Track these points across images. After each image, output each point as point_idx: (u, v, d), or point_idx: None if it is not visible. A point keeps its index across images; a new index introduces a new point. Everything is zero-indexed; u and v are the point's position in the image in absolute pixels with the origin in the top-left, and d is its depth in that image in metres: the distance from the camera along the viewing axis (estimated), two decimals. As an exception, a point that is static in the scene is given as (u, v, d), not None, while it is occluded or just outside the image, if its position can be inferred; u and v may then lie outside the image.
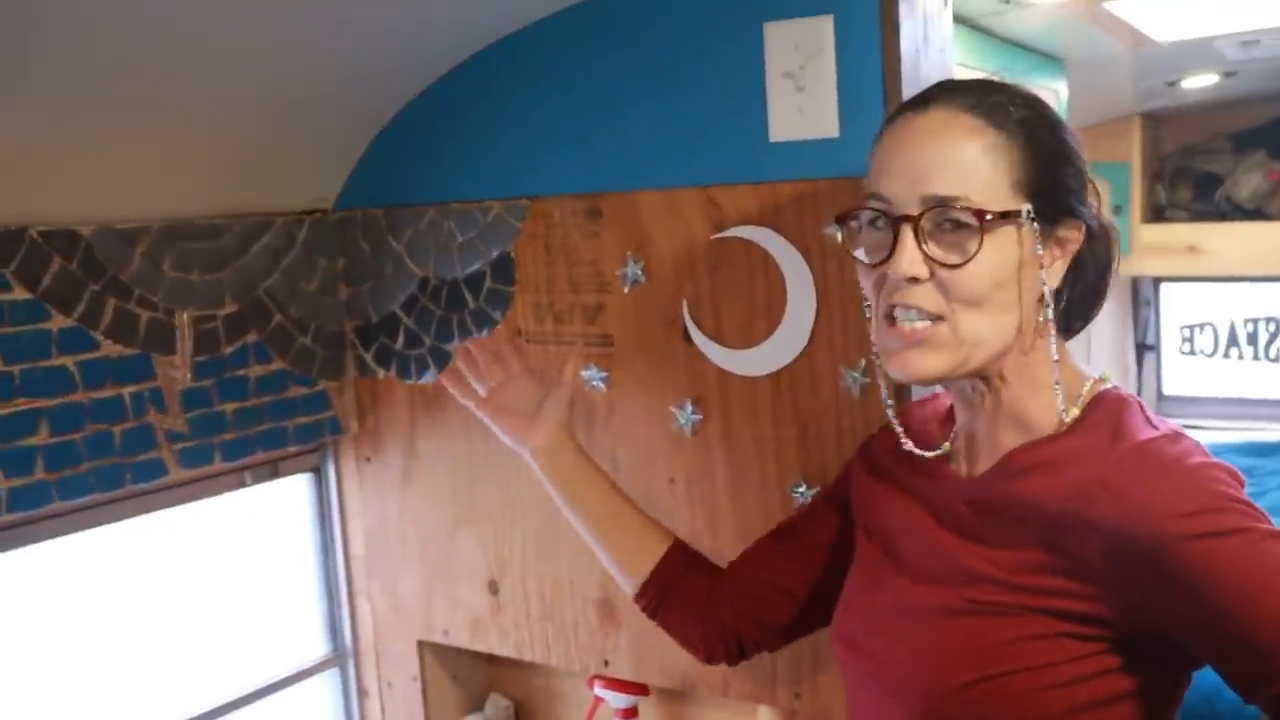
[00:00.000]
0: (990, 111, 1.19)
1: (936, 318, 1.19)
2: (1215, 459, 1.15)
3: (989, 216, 1.16)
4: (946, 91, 1.24)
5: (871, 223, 1.23)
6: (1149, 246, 4.45)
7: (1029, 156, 1.19)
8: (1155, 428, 1.19)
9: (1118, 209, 4.36)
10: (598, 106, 1.88)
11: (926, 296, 1.18)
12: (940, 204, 1.17)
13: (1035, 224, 1.19)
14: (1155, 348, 5.05)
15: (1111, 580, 1.13)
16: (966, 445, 1.31)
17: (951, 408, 1.39)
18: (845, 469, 1.52)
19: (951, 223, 1.17)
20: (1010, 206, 1.17)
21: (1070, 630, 1.16)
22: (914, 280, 1.18)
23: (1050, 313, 1.23)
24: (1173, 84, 3.81)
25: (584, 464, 1.64)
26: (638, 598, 1.61)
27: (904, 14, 1.62)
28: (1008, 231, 1.18)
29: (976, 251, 1.16)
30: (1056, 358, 1.24)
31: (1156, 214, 4.51)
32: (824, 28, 1.66)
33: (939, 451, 1.35)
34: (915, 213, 1.18)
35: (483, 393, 1.66)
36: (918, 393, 1.61)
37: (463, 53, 1.98)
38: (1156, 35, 2.90)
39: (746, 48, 1.72)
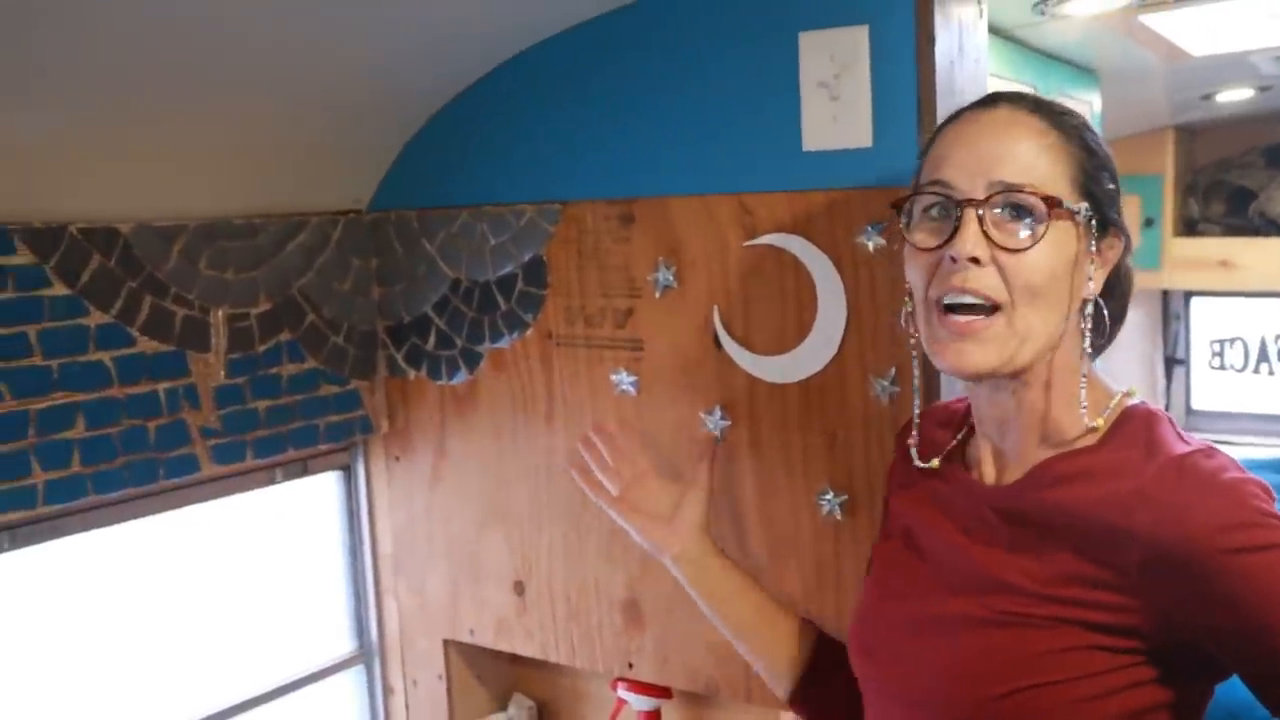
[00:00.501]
0: (1051, 115, 1.24)
1: (994, 308, 1.20)
2: (1250, 474, 1.15)
3: (1058, 204, 1.19)
4: (1008, 95, 1.28)
5: (927, 211, 1.25)
6: (1180, 260, 4.42)
7: (1084, 160, 1.23)
8: (1187, 443, 1.19)
9: (1150, 222, 4.34)
10: (632, 112, 1.89)
11: (987, 281, 1.19)
12: (1007, 189, 1.19)
13: (1092, 223, 1.21)
14: (1185, 362, 5.02)
15: (1148, 592, 1.13)
16: (992, 453, 1.32)
17: (960, 414, 1.40)
18: (887, 480, 1.53)
19: (1014, 209, 1.19)
20: (1070, 202, 1.20)
21: (1103, 642, 1.16)
22: (974, 262, 1.19)
23: (1087, 321, 1.23)
24: (1207, 98, 3.79)
25: (727, 569, 1.62)
26: (792, 702, 1.59)
27: (939, 25, 1.62)
28: (1066, 226, 1.21)
29: (1043, 234, 1.18)
30: (1085, 371, 1.24)
31: (1189, 227, 4.49)
32: (859, 37, 1.67)
33: (930, 464, 1.35)
34: (981, 196, 1.19)
35: (613, 489, 1.66)
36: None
37: (498, 57, 2.00)
38: (1192, 49, 2.89)
39: (781, 56, 1.73)
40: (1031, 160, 1.21)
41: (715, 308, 1.84)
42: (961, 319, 1.20)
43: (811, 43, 1.70)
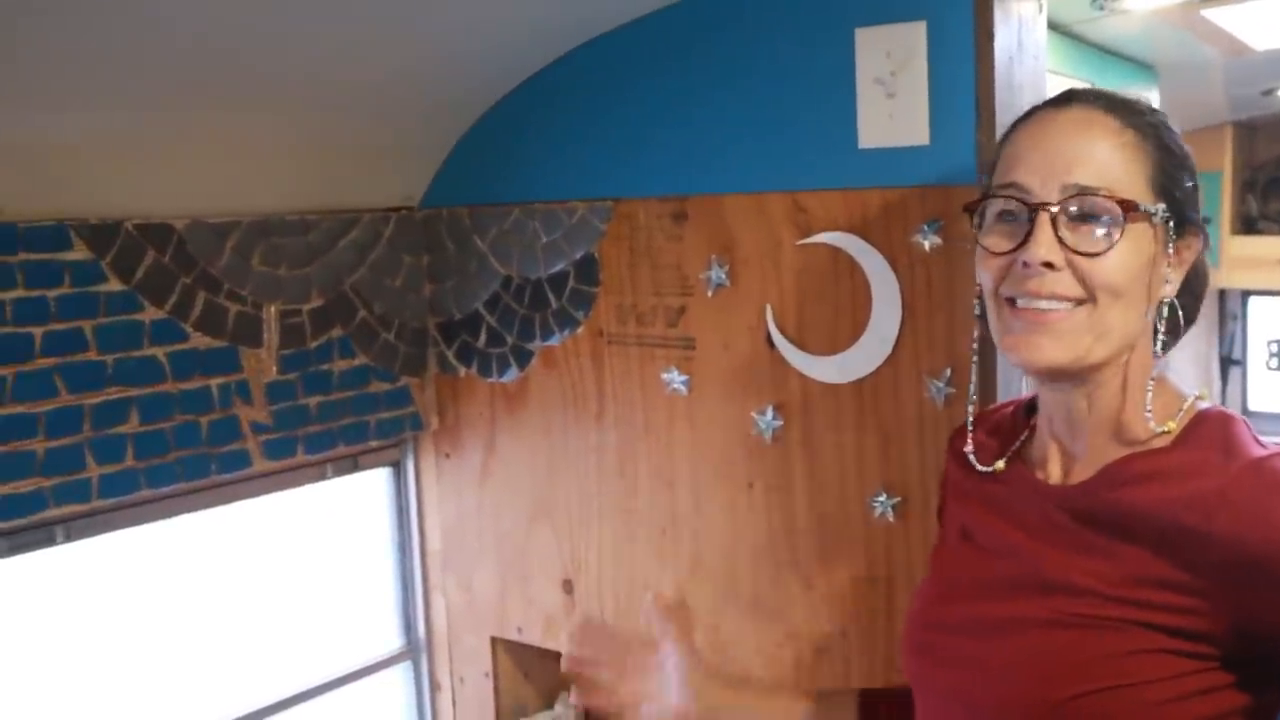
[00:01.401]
0: (1128, 113, 1.21)
1: (1079, 301, 1.18)
2: None
3: (1134, 209, 1.17)
4: (1082, 93, 1.26)
5: (1000, 215, 1.23)
6: (1238, 259, 4.36)
7: (1161, 160, 1.21)
8: (1264, 446, 1.17)
9: (1207, 220, 4.27)
10: (685, 109, 1.87)
11: (1064, 284, 1.18)
12: (1082, 192, 1.17)
13: (1169, 224, 1.20)
14: (1241, 362, 4.95)
15: (1226, 595, 1.10)
16: (1059, 453, 1.29)
17: (1010, 418, 1.37)
18: (941, 487, 1.50)
19: (1088, 214, 1.18)
20: (1147, 204, 1.18)
21: (1174, 646, 1.13)
22: (1049, 266, 1.17)
23: (1163, 323, 1.22)
24: (1268, 93, 3.73)
25: None
26: None
27: (999, 20, 1.60)
28: (1143, 229, 1.19)
29: (1119, 238, 1.17)
30: (1154, 374, 1.22)
31: (1247, 226, 4.42)
32: (916, 34, 1.64)
33: (994, 468, 1.33)
34: (1055, 200, 1.18)
35: None
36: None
37: (550, 54, 1.99)
38: (1253, 43, 2.84)
39: (837, 53, 1.71)
40: (1106, 162, 1.19)
41: (768, 307, 1.82)
42: (1031, 308, 1.19)
43: (868, 39, 1.68)
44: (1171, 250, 1.20)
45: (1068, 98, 1.24)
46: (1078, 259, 1.17)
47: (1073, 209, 1.17)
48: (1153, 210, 1.18)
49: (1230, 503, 1.11)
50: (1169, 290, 1.22)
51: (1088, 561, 1.18)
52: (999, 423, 1.40)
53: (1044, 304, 1.18)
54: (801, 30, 1.74)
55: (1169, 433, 1.21)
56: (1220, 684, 1.14)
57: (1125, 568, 1.15)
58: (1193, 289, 1.28)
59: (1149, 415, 1.21)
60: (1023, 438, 1.35)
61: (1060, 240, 1.17)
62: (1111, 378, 1.22)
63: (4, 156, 1.58)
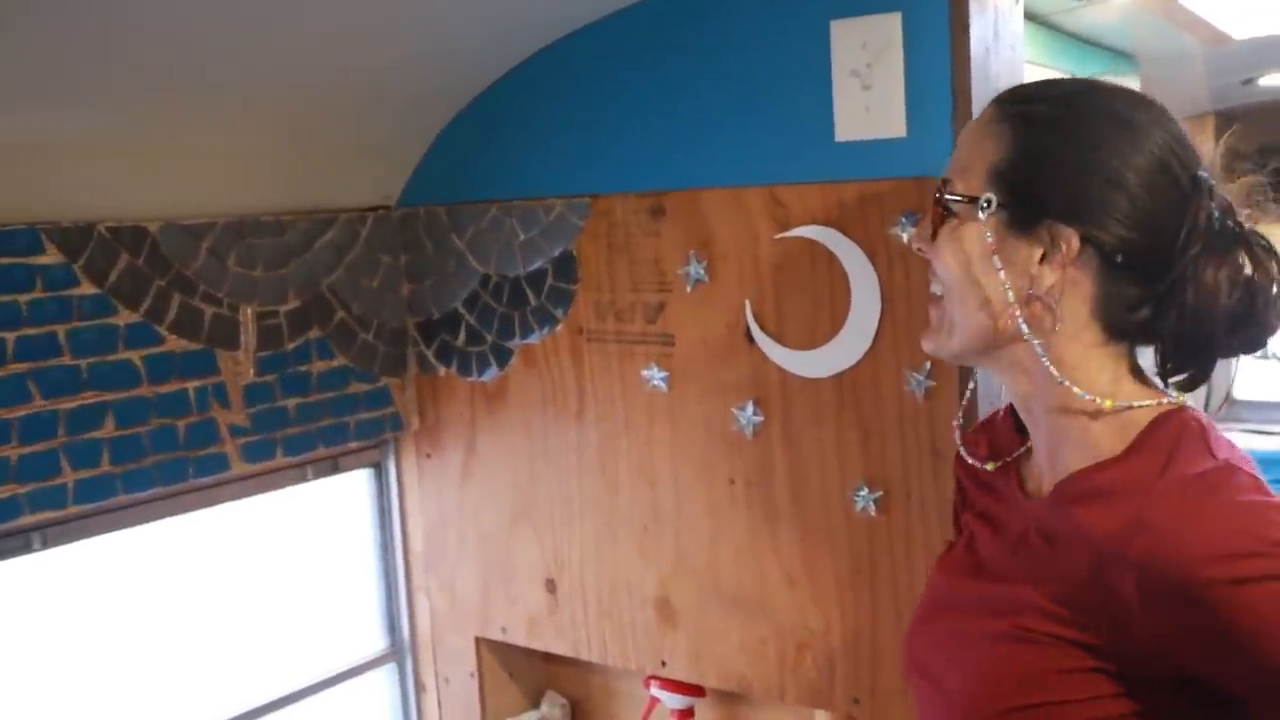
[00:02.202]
0: (1014, 101, 1.22)
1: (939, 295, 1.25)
2: (1278, 498, 1.08)
3: (942, 200, 1.21)
4: (1013, 87, 1.26)
5: None
6: (1222, 247, 4.34)
7: (1017, 149, 1.18)
8: (1214, 457, 1.12)
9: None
10: (661, 104, 1.86)
11: (933, 270, 1.25)
12: (940, 183, 1.23)
13: (1004, 214, 1.18)
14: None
15: (1148, 621, 1.07)
16: (1036, 466, 1.28)
17: (997, 424, 1.37)
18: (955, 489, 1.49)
19: (936, 198, 1.23)
20: (977, 193, 1.19)
21: (1103, 666, 1.11)
22: (920, 253, 1.27)
23: (1054, 321, 1.18)
24: (1248, 82, 3.74)
25: None
26: None
27: (974, 11, 1.59)
28: (966, 220, 1.20)
29: (940, 230, 1.22)
30: (1059, 372, 1.18)
31: (1230, 214, 4.41)
32: (892, 25, 1.64)
33: (988, 466, 1.33)
34: (938, 186, 1.24)
35: None
36: (984, 402, 1.58)
37: (526, 50, 1.98)
38: (1233, 32, 2.84)
39: (812, 45, 1.70)
40: (965, 151, 1.23)
41: (747, 301, 1.81)
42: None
43: (843, 31, 1.68)
44: (1020, 242, 1.18)
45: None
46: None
47: (936, 197, 1.23)
48: (972, 199, 1.19)
49: (1147, 525, 1.07)
50: (1041, 286, 1.17)
51: (1041, 576, 1.17)
52: (994, 425, 1.40)
53: (932, 287, 1.26)
54: (777, 23, 1.74)
55: (1105, 409, 1.17)
56: (1147, 709, 1.11)
57: (1066, 586, 1.14)
58: (1182, 313, 1.16)
59: (1066, 383, 1.18)
60: (1019, 451, 1.33)
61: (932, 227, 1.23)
62: (1008, 368, 1.24)
63: (-27, 160, 1.57)
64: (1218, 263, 1.15)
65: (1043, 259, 1.17)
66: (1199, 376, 1.22)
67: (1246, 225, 1.17)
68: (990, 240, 1.18)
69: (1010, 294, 1.18)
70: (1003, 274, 1.18)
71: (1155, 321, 1.18)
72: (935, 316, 1.26)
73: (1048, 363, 1.18)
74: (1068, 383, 1.18)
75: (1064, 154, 1.17)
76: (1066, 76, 1.38)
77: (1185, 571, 1.04)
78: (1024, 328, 1.18)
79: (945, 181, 1.22)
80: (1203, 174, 1.17)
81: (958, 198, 1.20)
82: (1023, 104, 1.20)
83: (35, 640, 1.81)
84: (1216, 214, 1.15)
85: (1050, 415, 1.22)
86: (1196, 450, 1.12)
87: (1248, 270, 1.16)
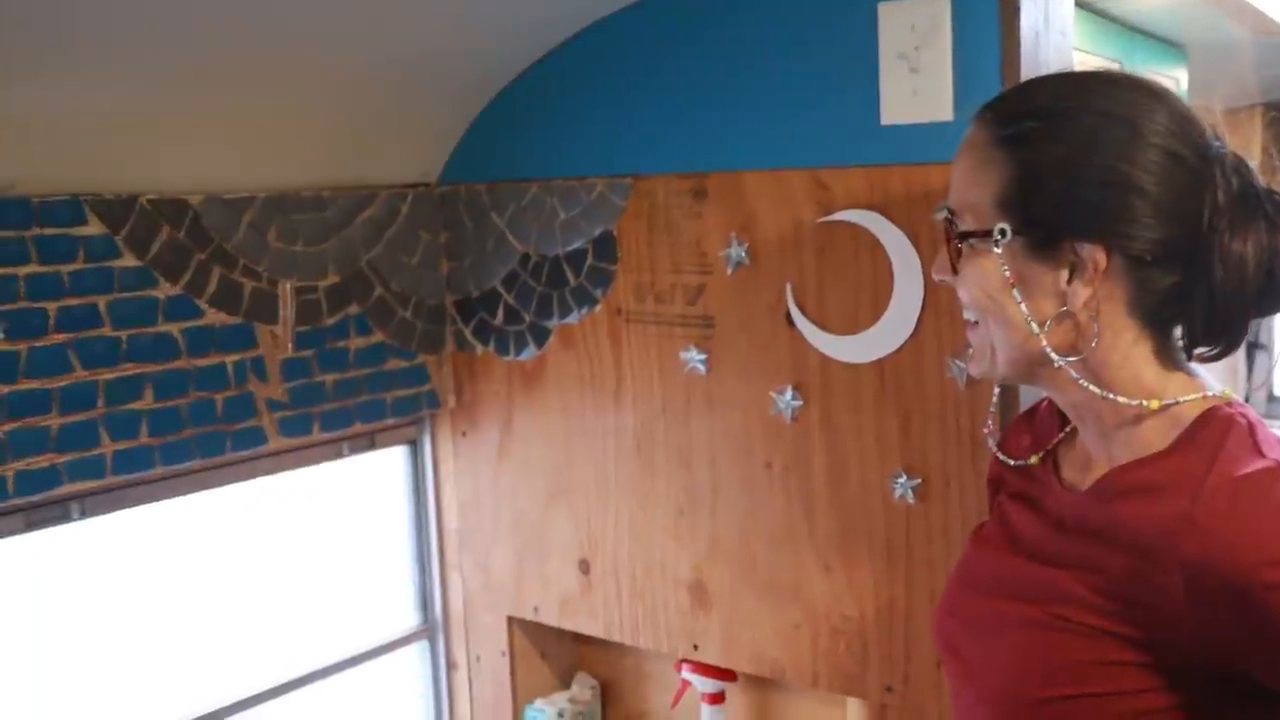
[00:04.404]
0: (1005, 122, 1.19)
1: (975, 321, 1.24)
2: None
3: (963, 237, 1.19)
4: (985, 105, 1.23)
5: None
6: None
7: (1022, 172, 1.16)
8: (1263, 455, 1.10)
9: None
10: (705, 84, 1.85)
11: (961, 297, 1.25)
12: (949, 214, 1.22)
13: (1021, 240, 1.16)
14: (1267, 347, 4.89)
15: (1194, 619, 1.06)
16: (1079, 453, 1.27)
17: (1043, 414, 1.36)
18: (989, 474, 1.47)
19: (950, 236, 1.22)
20: (988, 225, 1.17)
21: (1143, 660, 1.10)
22: (942, 282, 1.27)
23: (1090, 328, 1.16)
24: (1298, 73, 3.68)
25: None
26: None
27: (1025, -5, 1.57)
28: (986, 251, 1.18)
29: (960, 262, 1.21)
30: (1100, 389, 1.17)
31: (1276, 208, 4.36)
32: (940, 8, 1.62)
33: (1028, 462, 1.31)
34: (947, 218, 1.23)
35: None
36: (1027, 391, 1.57)
37: (570, 28, 1.97)
38: (1285, 22, 2.79)
39: (859, 28, 1.68)
40: (964, 182, 1.21)
41: (788, 285, 1.80)
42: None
43: (891, 13, 1.66)
44: (1045, 264, 1.16)
45: (977, 111, 1.23)
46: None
47: (946, 230, 1.22)
48: (985, 232, 1.17)
49: (1195, 527, 1.06)
50: (1075, 303, 1.15)
51: (1081, 567, 1.16)
52: (1037, 417, 1.39)
53: (965, 315, 1.26)
54: (824, 4, 1.72)
55: (1152, 410, 1.16)
56: (1187, 703, 1.10)
57: (1106, 578, 1.13)
58: (1197, 295, 1.15)
59: (1110, 396, 1.17)
60: (1059, 437, 1.32)
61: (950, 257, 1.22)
62: (1060, 383, 1.21)
63: (19, 131, 1.57)
64: (1243, 234, 1.13)
65: (1071, 276, 1.15)
66: (1229, 348, 1.21)
67: (1261, 184, 1.15)
68: (1008, 274, 1.16)
69: (1033, 325, 1.16)
70: (1024, 306, 1.16)
71: (1187, 302, 1.16)
72: (975, 341, 1.25)
73: (1086, 383, 1.17)
74: (1111, 395, 1.17)
75: (1068, 169, 1.14)
76: (1044, 76, 1.34)
77: (1236, 574, 1.03)
78: (1053, 356, 1.17)
79: (952, 213, 1.21)
80: (1215, 145, 1.15)
81: (971, 232, 1.18)
82: (1012, 125, 1.17)
83: (72, 607, 1.82)
84: (1235, 183, 1.13)
85: (1099, 419, 1.21)
86: (1245, 448, 1.11)
87: (1269, 233, 1.14)
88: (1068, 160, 1.14)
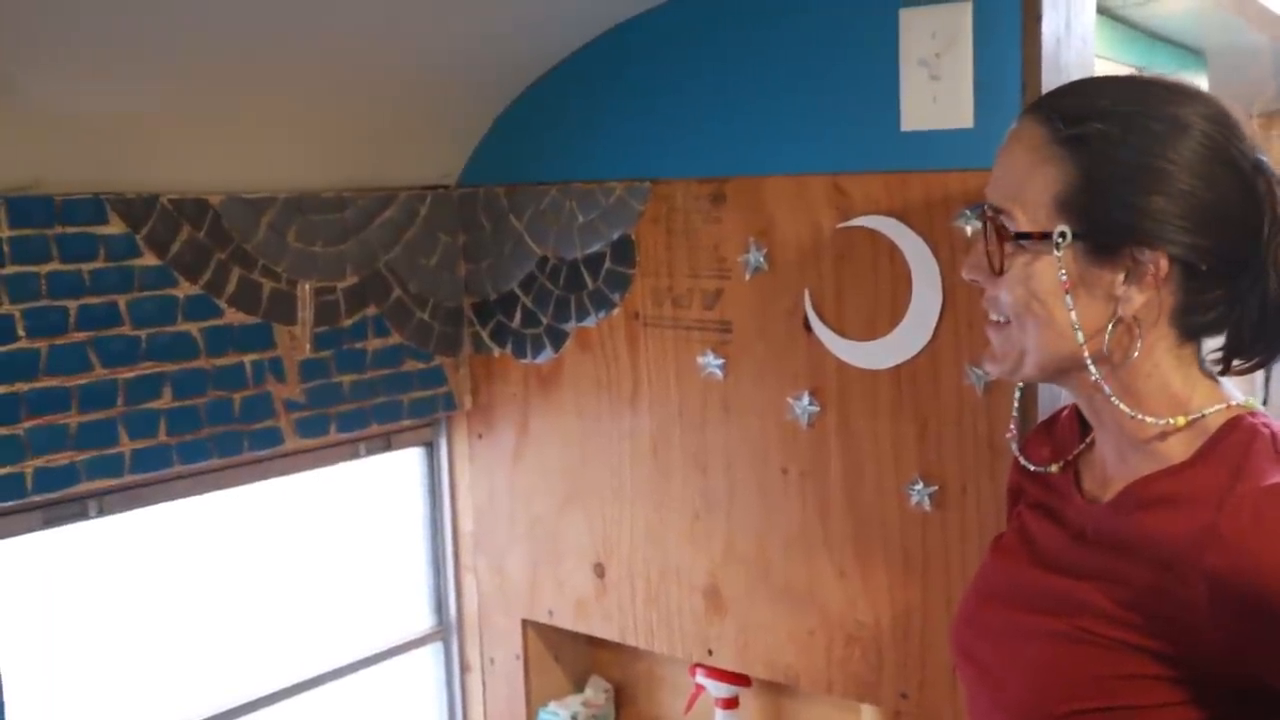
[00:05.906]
0: (1069, 121, 1.15)
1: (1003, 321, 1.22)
2: None
3: (1016, 237, 1.16)
4: (1038, 101, 1.23)
5: None
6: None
7: (1086, 176, 1.14)
8: None
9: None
10: (725, 89, 1.85)
11: (990, 301, 1.23)
12: (994, 212, 1.19)
13: (1081, 244, 1.14)
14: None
15: (1219, 631, 1.06)
16: (1099, 464, 1.26)
17: (1071, 419, 1.35)
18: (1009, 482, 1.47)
19: (995, 233, 1.18)
20: (1047, 227, 1.15)
21: (1166, 674, 1.10)
22: (974, 282, 1.24)
23: (1140, 338, 1.16)
24: (1320, 81, 3.67)
25: None
26: None
27: (1047, 3, 1.57)
28: (1038, 253, 1.16)
29: (1004, 263, 1.18)
30: (1128, 407, 1.17)
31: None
32: (962, 15, 1.61)
33: (1047, 469, 1.31)
34: (989, 215, 1.20)
35: None
36: (1046, 397, 1.57)
37: (590, 33, 1.97)
38: (1306, 30, 2.79)
39: (880, 34, 1.68)
40: (1020, 179, 1.18)
41: (806, 290, 1.80)
42: (991, 314, 1.24)
43: (912, 19, 1.65)
44: (1103, 269, 1.14)
45: (1030, 107, 1.22)
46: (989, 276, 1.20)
47: (989, 227, 1.18)
48: (1045, 234, 1.15)
49: (1221, 539, 1.05)
50: (1127, 309, 1.15)
51: (1104, 580, 1.15)
52: (1057, 426, 1.38)
53: (991, 314, 1.23)
54: (845, 10, 1.72)
55: (1177, 427, 1.16)
56: (1208, 717, 1.10)
57: (1129, 591, 1.12)
58: (1248, 306, 1.15)
59: (1139, 416, 1.17)
60: (1080, 447, 1.32)
61: (988, 253, 1.19)
62: (1080, 383, 1.21)
63: (42, 130, 1.58)
64: None
65: (1125, 280, 1.14)
66: (1269, 359, 1.20)
67: None
68: (1065, 278, 1.14)
69: (1079, 332, 1.15)
70: (1074, 314, 1.15)
71: (1232, 314, 1.16)
72: (997, 342, 1.23)
73: (1117, 400, 1.17)
74: (1139, 415, 1.16)
75: (1136, 174, 1.13)
76: (1099, 77, 1.33)
77: (1261, 586, 1.02)
78: (1092, 368, 1.16)
79: (998, 211, 1.18)
80: (1260, 156, 1.15)
81: (1028, 233, 1.16)
82: (1076, 125, 1.14)
83: (89, 604, 1.83)
84: None
85: (1119, 426, 1.20)
86: (1269, 459, 1.10)
87: None
88: (1136, 165, 1.12)
